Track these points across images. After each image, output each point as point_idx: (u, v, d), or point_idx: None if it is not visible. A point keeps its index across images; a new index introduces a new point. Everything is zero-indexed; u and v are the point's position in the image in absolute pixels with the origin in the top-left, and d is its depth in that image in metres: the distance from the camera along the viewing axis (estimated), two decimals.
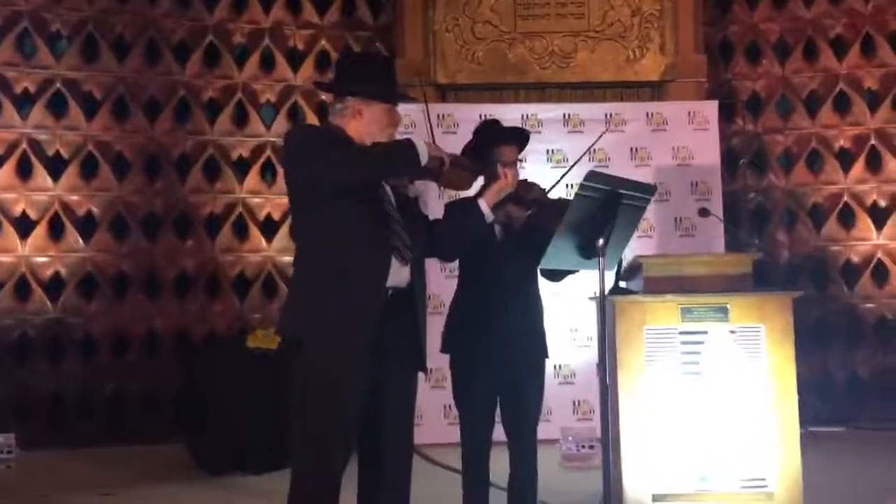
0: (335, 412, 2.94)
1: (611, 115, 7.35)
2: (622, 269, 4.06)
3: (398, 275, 3.05)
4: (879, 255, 7.95)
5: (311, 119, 8.08)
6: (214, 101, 8.02)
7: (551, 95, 7.80)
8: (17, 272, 7.42)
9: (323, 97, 7.87)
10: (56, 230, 7.53)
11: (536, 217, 3.55)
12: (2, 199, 7.44)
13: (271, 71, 8.16)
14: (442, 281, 5.67)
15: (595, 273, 3.29)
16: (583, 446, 6.14)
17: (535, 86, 7.83)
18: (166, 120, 7.86)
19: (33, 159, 7.50)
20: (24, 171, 7.48)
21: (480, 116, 6.09)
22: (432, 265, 3.32)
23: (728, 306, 3.98)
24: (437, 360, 3.62)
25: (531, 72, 7.79)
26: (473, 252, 3.54)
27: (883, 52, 8.05)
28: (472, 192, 3.41)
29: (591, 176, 3.23)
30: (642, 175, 6.68)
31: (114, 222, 7.67)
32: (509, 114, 6.76)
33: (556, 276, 3.75)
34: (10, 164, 7.44)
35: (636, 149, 7.37)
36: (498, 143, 3.67)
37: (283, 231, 7.92)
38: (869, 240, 7.99)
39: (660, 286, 4.06)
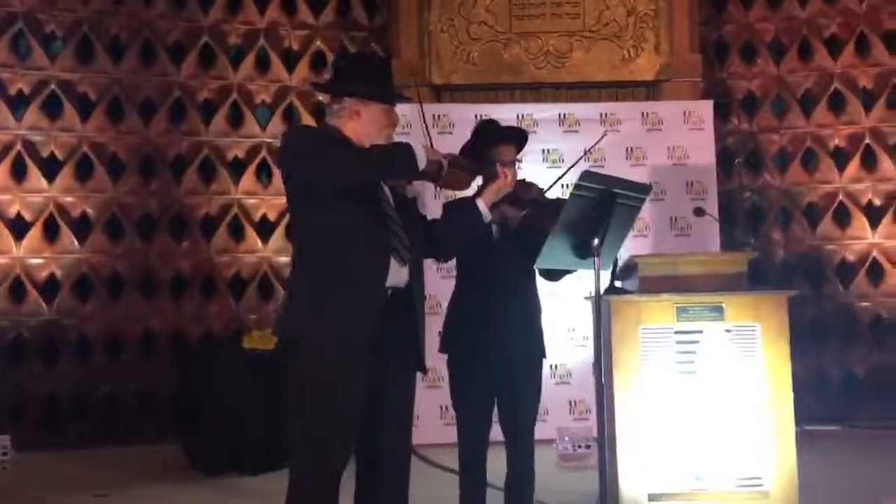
0: (335, 413, 2.94)
1: (606, 114, 7.38)
2: (618, 268, 4.06)
3: (397, 275, 3.05)
4: (874, 253, 7.96)
5: (307, 120, 8.07)
6: (209, 101, 8.01)
7: (547, 95, 7.81)
8: (11, 274, 7.40)
9: (319, 98, 7.87)
10: (51, 231, 7.51)
11: (532, 217, 3.55)
12: None
13: (266, 72, 8.15)
14: (438, 281, 5.66)
15: (591, 273, 3.30)
16: (579, 446, 6.14)
17: (530, 86, 7.84)
18: (161, 121, 7.85)
19: (28, 160, 7.48)
20: (18, 172, 7.46)
21: (476, 117, 6.10)
22: (427, 265, 3.31)
23: (723, 305, 3.97)
24: (433, 360, 3.62)
25: (526, 72, 7.80)
26: (471, 252, 3.54)
27: (877, 51, 8.06)
28: (470, 191, 3.40)
29: (586, 175, 3.24)
30: (637, 175, 6.68)
31: (109, 223, 7.65)
32: (505, 114, 6.73)
33: (554, 275, 3.76)
34: (4, 166, 7.41)
35: (631, 148, 7.37)
36: (496, 143, 3.66)
37: (279, 232, 7.89)
38: (864, 239, 8.00)
39: (655, 285, 4.06)
